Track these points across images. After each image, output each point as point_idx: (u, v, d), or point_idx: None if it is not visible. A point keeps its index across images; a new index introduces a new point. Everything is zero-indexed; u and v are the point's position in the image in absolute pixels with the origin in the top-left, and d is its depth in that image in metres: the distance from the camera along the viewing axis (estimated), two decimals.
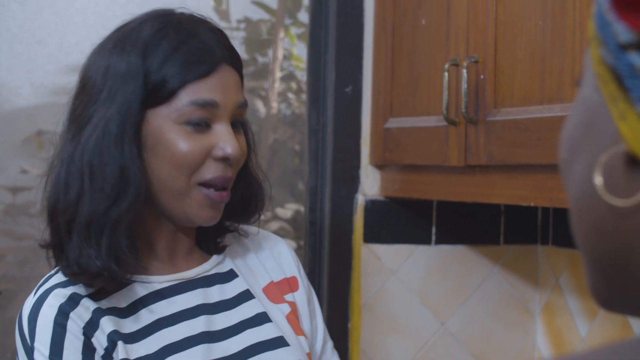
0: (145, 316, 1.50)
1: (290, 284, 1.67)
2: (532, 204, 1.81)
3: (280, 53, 2.63)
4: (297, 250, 2.49)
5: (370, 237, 2.38)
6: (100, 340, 1.45)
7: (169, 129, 1.46)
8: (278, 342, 1.56)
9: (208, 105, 1.47)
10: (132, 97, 1.46)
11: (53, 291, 1.48)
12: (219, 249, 1.63)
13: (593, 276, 0.73)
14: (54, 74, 2.42)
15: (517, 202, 1.85)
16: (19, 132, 2.42)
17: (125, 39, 1.49)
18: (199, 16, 1.55)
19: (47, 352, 1.44)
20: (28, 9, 2.39)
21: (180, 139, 1.46)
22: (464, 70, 1.95)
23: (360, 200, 2.39)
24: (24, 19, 2.39)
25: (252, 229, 1.69)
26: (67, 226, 1.47)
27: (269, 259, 1.68)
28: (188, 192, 1.47)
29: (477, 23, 1.94)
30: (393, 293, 2.39)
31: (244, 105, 1.53)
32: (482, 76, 1.92)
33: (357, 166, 2.39)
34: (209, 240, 1.62)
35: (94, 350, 1.45)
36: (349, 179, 2.39)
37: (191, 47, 1.48)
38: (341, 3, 2.40)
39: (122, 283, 1.49)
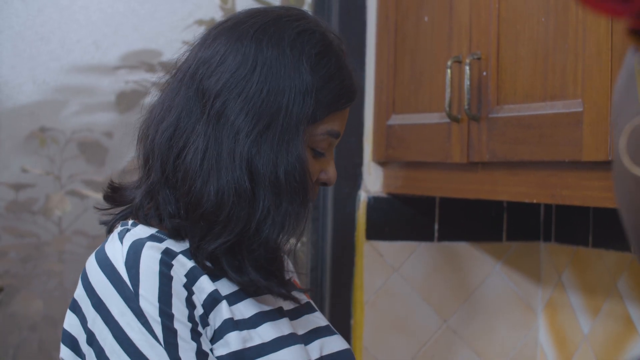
0: (230, 283, 1.47)
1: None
2: (534, 201, 1.81)
3: None
4: (300, 247, 2.49)
5: (373, 234, 2.39)
6: (200, 298, 1.42)
7: None
8: (330, 330, 1.59)
9: (336, 136, 1.51)
10: (305, 117, 1.45)
11: (146, 243, 1.42)
12: None
13: (632, 242, 0.72)
14: (56, 71, 2.42)
15: (520, 199, 1.85)
16: (21, 129, 2.42)
17: (291, 45, 1.46)
18: (338, 37, 1.55)
19: (156, 301, 1.37)
20: (31, 6, 2.39)
21: None
22: (467, 67, 1.95)
23: (362, 197, 2.39)
24: (27, 16, 2.39)
25: None
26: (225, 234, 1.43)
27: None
28: None
29: (480, 20, 1.94)
30: (395, 290, 2.39)
31: None
32: (484, 73, 1.92)
33: (359, 163, 2.39)
34: None
35: (194, 306, 1.41)
36: (352, 176, 2.39)
37: (344, 76, 1.49)
38: (343, 1, 2.40)
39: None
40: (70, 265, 2.44)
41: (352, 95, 1.51)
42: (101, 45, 2.44)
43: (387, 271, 2.39)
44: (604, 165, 1.61)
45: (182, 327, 1.38)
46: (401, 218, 2.39)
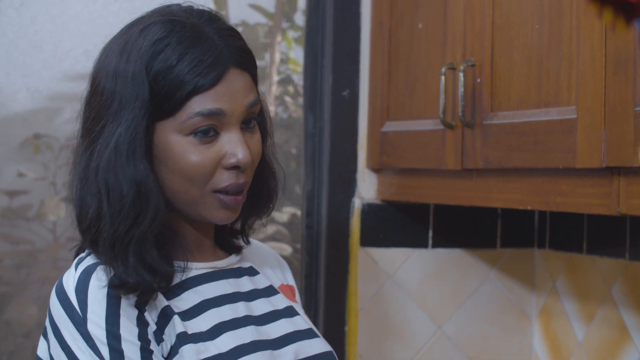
0: (190, 298, 1.48)
1: (291, 292, 1.68)
2: (528, 208, 1.81)
3: (277, 57, 2.63)
4: (294, 254, 2.49)
5: (367, 240, 2.38)
6: (152, 315, 1.42)
7: (177, 141, 1.44)
8: (311, 333, 1.58)
9: (214, 115, 1.43)
10: (139, 112, 1.42)
11: (98, 267, 1.43)
12: (237, 249, 1.63)
13: None
14: (48, 79, 2.42)
15: (514, 205, 1.85)
16: (15, 136, 2.42)
17: (131, 46, 1.45)
18: (207, 15, 1.49)
19: (103, 323, 1.39)
20: (24, 15, 2.39)
21: (189, 151, 1.43)
22: (461, 74, 1.95)
23: (357, 203, 2.39)
24: (20, 24, 2.40)
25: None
26: (93, 244, 1.46)
27: (273, 263, 1.70)
28: (202, 199, 1.46)
29: (474, 27, 1.94)
30: (390, 297, 2.39)
31: (254, 104, 1.48)
32: (478, 80, 1.92)
33: (354, 170, 2.39)
34: (225, 241, 1.62)
35: (147, 324, 1.41)
36: (346, 183, 2.39)
37: (196, 55, 1.43)
38: (338, 7, 2.40)
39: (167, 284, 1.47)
40: (64, 272, 2.43)
41: (208, 73, 1.44)
42: (92, 55, 2.44)
43: (381, 278, 2.38)
44: (598, 172, 1.61)
45: (130, 347, 1.39)
46: (395, 225, 2.39)
